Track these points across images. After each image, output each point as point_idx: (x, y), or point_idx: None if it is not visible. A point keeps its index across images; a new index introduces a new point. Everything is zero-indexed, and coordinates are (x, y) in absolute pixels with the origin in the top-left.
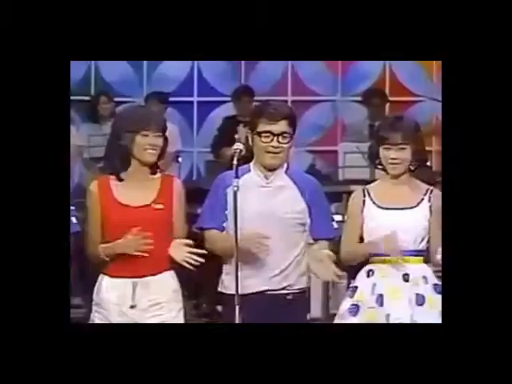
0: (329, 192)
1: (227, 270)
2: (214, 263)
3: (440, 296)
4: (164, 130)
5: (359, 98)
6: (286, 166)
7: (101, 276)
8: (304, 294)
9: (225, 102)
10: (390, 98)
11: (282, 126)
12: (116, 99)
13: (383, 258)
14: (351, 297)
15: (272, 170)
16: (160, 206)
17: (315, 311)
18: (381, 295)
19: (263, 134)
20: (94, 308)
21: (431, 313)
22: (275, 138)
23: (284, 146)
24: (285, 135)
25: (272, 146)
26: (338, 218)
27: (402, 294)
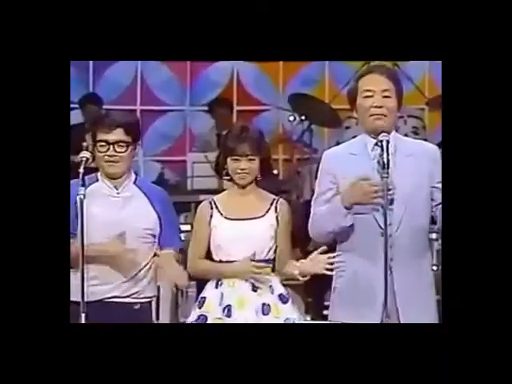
0: (177, 202)
1: (74, 277)
2: None
3: (284, 306)
4: None
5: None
6: (134, 176)
7: None
8: (150, 303)
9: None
10: (237, 108)
11: (117, 134)
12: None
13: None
14: (200, 307)
15: (115, 178)
16: None
17: (164, 319)
18: (229, 305)
19: (99, 144)
20: None
21: (276, 322)
22: (111, 146)
23: (121, 154)
24: (121, 144)
25: (108, 155)
26: (186, 227)
27: (250, 304)
